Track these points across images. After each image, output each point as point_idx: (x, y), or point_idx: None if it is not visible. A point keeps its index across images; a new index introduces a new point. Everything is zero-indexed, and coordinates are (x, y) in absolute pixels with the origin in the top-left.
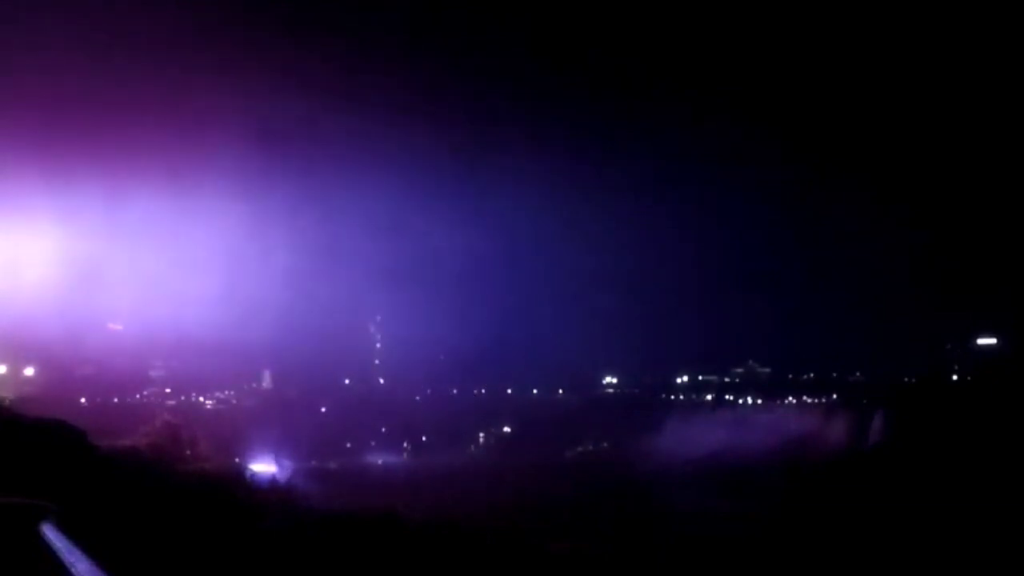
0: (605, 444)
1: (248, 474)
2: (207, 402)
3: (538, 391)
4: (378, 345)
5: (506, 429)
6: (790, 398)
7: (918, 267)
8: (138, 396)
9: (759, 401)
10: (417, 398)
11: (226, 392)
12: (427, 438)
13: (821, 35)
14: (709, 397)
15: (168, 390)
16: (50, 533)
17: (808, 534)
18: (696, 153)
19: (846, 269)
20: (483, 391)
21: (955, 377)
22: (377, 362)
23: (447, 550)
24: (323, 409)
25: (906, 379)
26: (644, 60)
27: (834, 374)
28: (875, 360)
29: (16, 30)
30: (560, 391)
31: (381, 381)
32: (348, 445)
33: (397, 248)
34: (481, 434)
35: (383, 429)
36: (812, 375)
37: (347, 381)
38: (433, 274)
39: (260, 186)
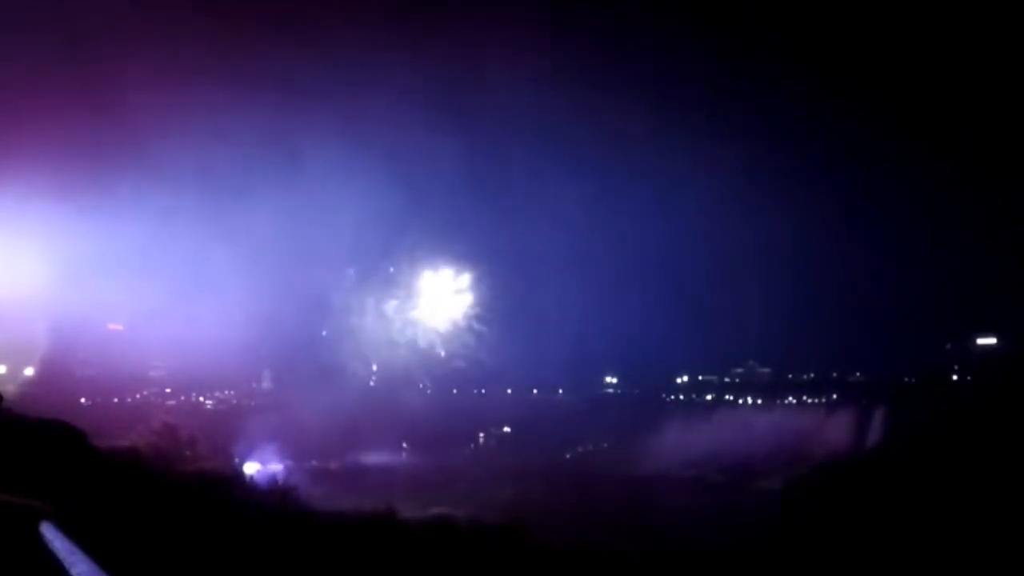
0: (605, 444)
1: (248, 474)
2: (207, 402)
3: (538, 391)
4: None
5: (506, 429)
6: (790, 398)
7: (918, 266)
8: (138, 396)
9: (759, 401)
10: (417, 398)
11: (226, 392)
12: (427, 438)
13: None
14: (709, 397)
15: (168, 390)
16: (49, 533)
17: (808, 534)
18: (695, 155)
19: (846, 269)
20: (483, 391)
21: (955, 377)
22: (375, 367)
23: (447, 550)
24: (322, 409)
25: (906, 379)
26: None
27: (834, 374)
28: (875, 360)
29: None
30: (560, 391)
31: (372, 383)
32: (348, 445)
33: (394, 248)
34: (481, 434)
35: (383, 429)
36: (812, 375)
37: (346, 382)
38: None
39: (260, 186)
